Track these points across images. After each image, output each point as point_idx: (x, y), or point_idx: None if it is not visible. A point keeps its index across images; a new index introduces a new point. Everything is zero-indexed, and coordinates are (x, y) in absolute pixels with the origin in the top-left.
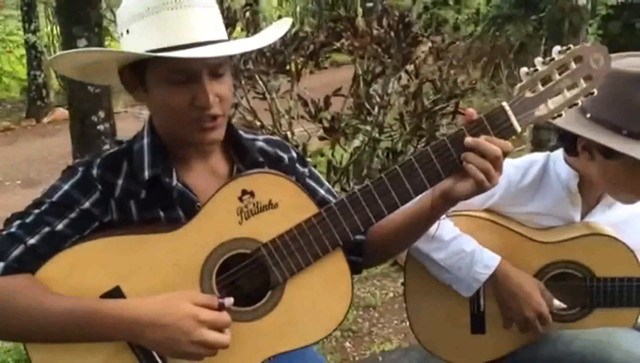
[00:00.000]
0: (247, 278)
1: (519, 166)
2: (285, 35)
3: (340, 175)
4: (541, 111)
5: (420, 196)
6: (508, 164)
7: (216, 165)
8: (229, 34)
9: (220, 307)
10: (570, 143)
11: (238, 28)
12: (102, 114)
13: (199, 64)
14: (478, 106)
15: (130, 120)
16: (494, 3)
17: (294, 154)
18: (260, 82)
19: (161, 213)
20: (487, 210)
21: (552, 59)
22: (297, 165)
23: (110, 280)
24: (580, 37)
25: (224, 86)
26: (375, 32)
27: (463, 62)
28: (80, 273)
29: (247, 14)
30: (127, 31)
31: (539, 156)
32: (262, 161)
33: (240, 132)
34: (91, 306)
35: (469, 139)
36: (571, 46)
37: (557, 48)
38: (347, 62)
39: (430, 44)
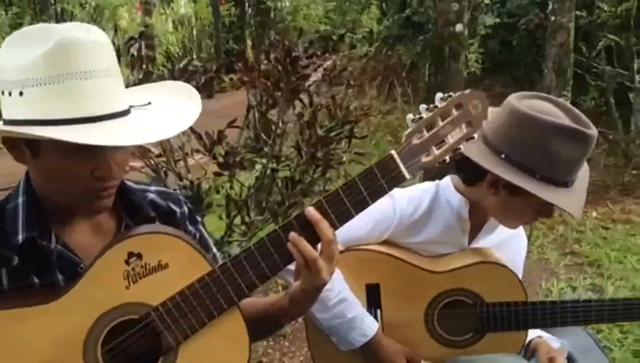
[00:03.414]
0: (137, 346)
1: (411, 198)
2: (174, 68)
3: (240, 208)
4: (428, 157)
5: None
6: (400, 196)
7: (102, 222)
8: None
9: None
10: (473, 174)
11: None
12: None
13: None
14: (375, 124)
15: (8, 157)
16: (385, 24)
17: (186, 210)
18: None
19: (36, 280)
20: (384, 242)
21: (436, 107)
22: (188, 223)
23: None
24: (460, 60)
25: (125, 154)
26: (263, 66)
27: (360, 82)
28: None
29: (132, 49)
30: (21, 93)
31: (429, 186)
32: (154, 216)
33: (130, 183)
34: None
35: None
36: (452, 93)
37: (439, 95)
38: (238, 86)
39: (322, 71)
